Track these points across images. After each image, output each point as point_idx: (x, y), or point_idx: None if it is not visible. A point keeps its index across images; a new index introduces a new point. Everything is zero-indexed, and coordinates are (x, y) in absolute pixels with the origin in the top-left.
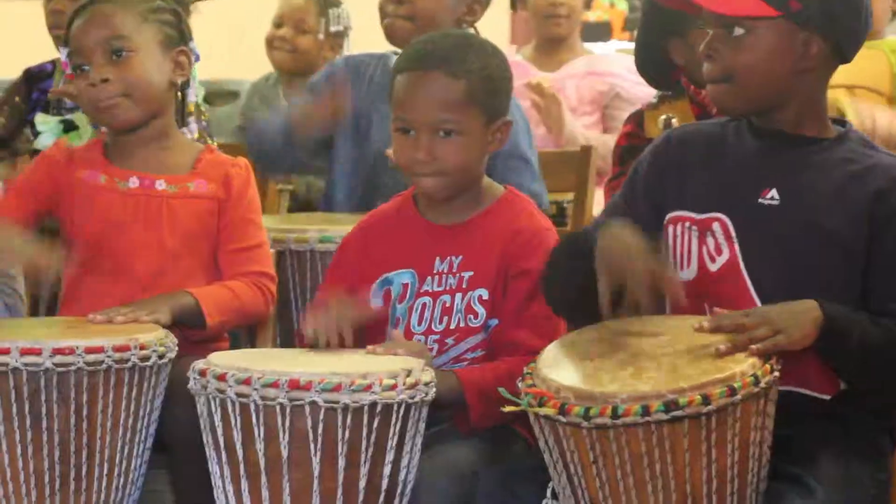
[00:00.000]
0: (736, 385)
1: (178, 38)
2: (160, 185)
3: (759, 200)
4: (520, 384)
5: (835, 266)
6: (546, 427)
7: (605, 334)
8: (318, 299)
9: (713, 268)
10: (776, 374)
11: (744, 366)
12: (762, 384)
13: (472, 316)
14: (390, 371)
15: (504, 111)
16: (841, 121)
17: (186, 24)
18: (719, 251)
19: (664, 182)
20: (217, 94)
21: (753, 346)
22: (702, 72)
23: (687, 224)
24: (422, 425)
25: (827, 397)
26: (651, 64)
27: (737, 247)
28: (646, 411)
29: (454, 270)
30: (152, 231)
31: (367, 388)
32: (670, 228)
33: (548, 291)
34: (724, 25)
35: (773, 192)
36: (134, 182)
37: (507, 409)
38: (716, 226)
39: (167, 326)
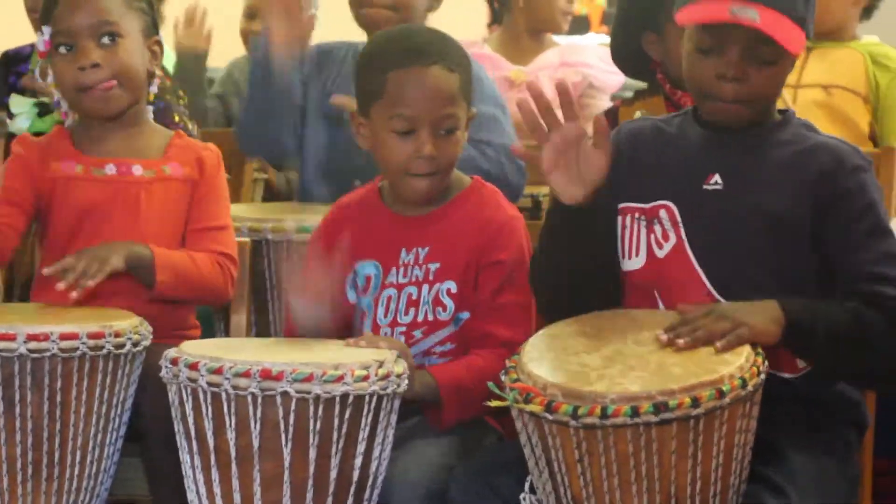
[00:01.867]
0: (724, 388)
1: (153, 28)
2: (137, 170)
3: (704, 186)
4: (503, 378)
5: (781, 248)
6: (530, 423)
7: (588, 328)
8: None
9: (661, 254)
10: (762, 376)
11: (731, 368)
12: (749, 387)
13: (440, 308)
14: (362, 362)
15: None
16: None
17: (158, 14)
18: (666, 237)
19: (615, 174)
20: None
21: (719, 343)
22: (677, 68)
23: (636, 214)
24: (394, 417)
25: (790, 377)
26: (627, 57)
27: (682, 232)
28: (635, 412)
29: (420, 262)
30: (130, 216)
31: (339, 378)
32: (619, 219)
33: (535, 275)
34: (759, 53)
35: (717, 178)
36: (111, 169)
37: (494, 404)
38: (662, 213)
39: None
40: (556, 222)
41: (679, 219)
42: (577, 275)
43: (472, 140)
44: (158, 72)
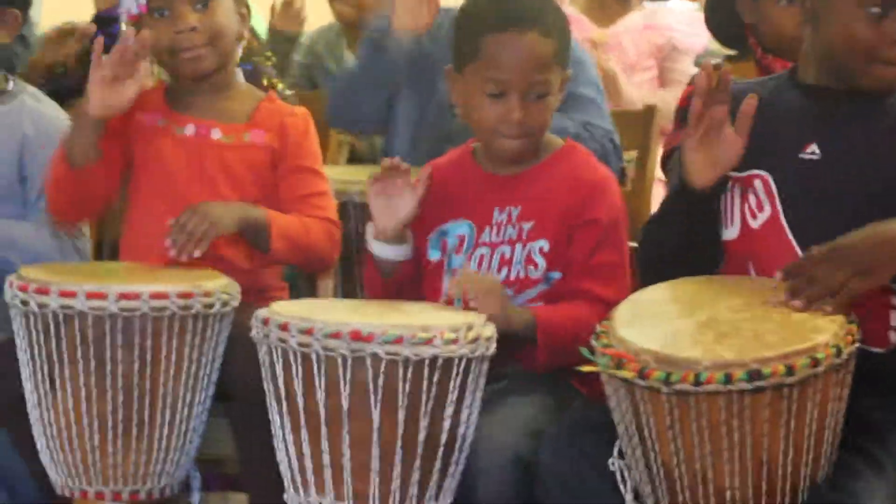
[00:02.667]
0: (819, 356)
1: None
2: (216, 133)
3: (800, 156)
4: (595, 343)
5: (881, 217)
6: (622, 389)
7: (680, 294)
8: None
9: (755, 225)
10: (857, 344)
11: (827, 336)
12: (844, 355)
13: (531, 267)
14: (452, 325)
15: (568, 66)
16: None
17: None
18: (760, 208)
19: None
20: (278, 41)
21: (829, 307)
22: (769, 32)
23: (731, 183)
24: (482, 380)
25: (880, 350)
26: (721, 21)
27: (778, 203)
28: (728, 379)
29: (513, 221)
30: (206, 181)
31: (429, 341)
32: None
33: (645, 249)
34: None
35: (814, 147)
36: (190, 129)
37: (586, 369)
38: (757, 182)
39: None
40: (680, 206)
41: (774, 189)
42: (689, 250)
43: (579, 121)
44: (246, 33)
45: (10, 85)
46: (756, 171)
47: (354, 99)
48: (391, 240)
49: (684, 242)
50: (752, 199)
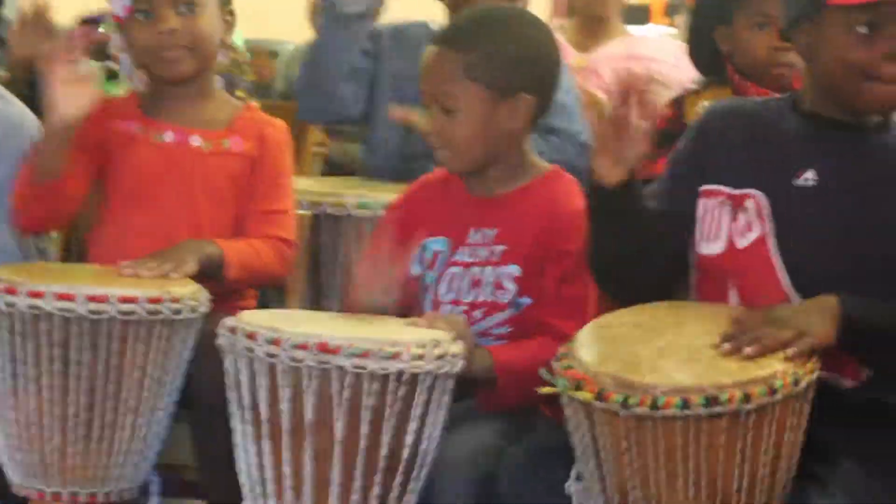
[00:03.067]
0: (777, 384)
1: None
2: (195, 140)
3: (794, 181)
4: (555, 364)
5: (872, 253)
6: (580, 411)
7: (644, 319)
8: (365, 259)
9: (741, 244)
10: (816, 374)
11: (785, 365)
12: (802, 384)
13: (501, 291)
14: (419, 340)
15: (521, 87)
16: None
17: None
18: (749, 228)
19: (704, 154)
20: (256, 54)
21: (788, 352)
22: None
23: (720, 199)
24: (447, 398)
25: (851, 384)
26: (701, 50)
27: (768, 226)
28: (686, 405)
29: (487, 243)
30: (184, 187)
31: (396, 356)
32: (702, 201)
33: (588, 260)
34: None
35: (811, 174)
36: (169, 136)
37: (545, 390)
38: (749, 203)
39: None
40: (596, 204)
41: (766, 212)
42: (627, 257)
43: (540, 127)
44: (228, 41)
45: None
46: (749, 191)
47: (313, 80)
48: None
49: (621, 250)
50: (741, 218)
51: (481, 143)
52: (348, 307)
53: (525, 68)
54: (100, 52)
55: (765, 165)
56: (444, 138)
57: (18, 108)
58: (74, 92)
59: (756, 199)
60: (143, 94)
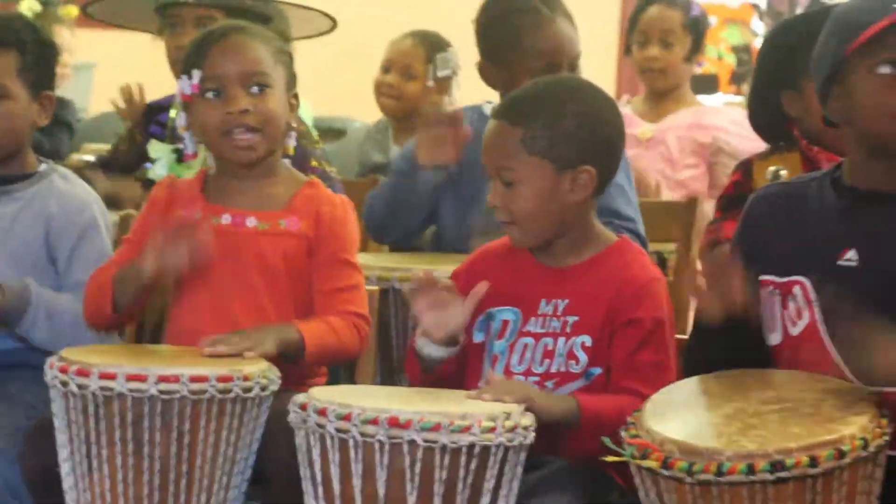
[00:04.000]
0: (845, 448)
1: (293, 82)
2: (251, 221)
3: (838, 262)
4: (623, 433)
5: None
6: (647, 479)
7: (712, 386)
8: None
9: (794, 332)
10: (886, 437)
11: (853, 428)
12: (871, 448)
13: (573, 361)
14: (490, 413)
15: (583, 159)
16: None
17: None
18: (800, 315)
19: (753, 245)
20: (324, 132)
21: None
22: (814, 124)
23: (770, 288)
24: (519, 469)
25: None
26: (764, 116)
27: (816, 311)
28: (751, 470)
29: (559, 314)
30: (240, 267)
31: (466, 429)
32: (761, 292)
33: (689, 364)
34: None
35: (852, 253)
36: (226, 219)
37: (611, 459)
38: (797, 289)
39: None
40: (706, 334)
41: (812, 297)
42: (731, 361)
43: (600, 207)
44: (294, 123)
45: (42, 167)
46: (795, 278)
47: (390, 221)
48: (440, 343)
49: (728, 355)
50: (791, 305)
51: (545, 216)
52: (409, 370)
53: (585, 140)
54: (171, 135)
55: (808, 248)
56: (508, 212)
57: (81, 187)
58: (174, 252)
59: (802, 286)
60: (208, 176)
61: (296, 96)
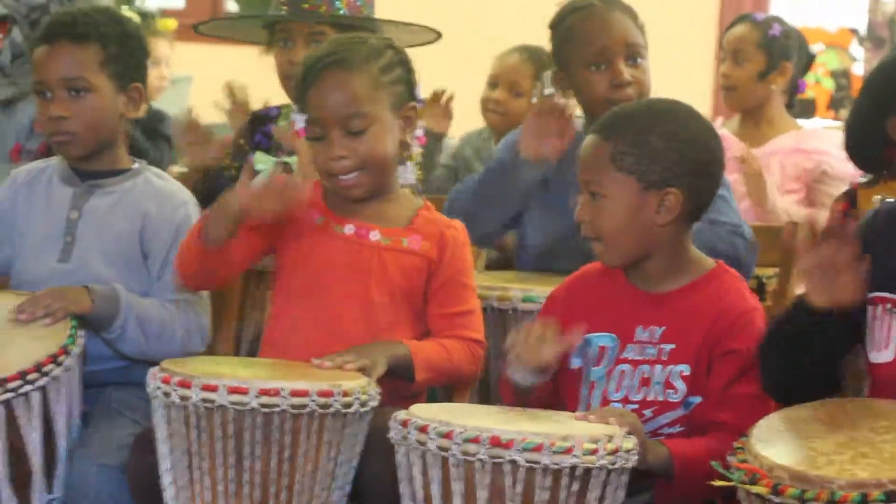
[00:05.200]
0: None
1: (408, 95)
2: (374, 235)
3: None
4: (731, 458)
5: None
6: None
7: (822, 414)
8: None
9: None
10: None
11: None
12: None
13: (671, 391)
14: (592, 435)
15: (669, 181)
16: None
17: (413, 72)
18: None
19: (869, 260)
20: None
21: None
22: None
23: (888, 305)
24: (621, 493)
25: None
26: (864, 141)
27: None
28: (864, 499)
29: (655, 341)
30: (360, 281)
31: (569, 450)
32: (870, 308)
33: (765, 372)
34: None
35: None
36: (349, 229)
37: (719, 483)
38: None
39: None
40: (799, 321)
41: None
42: (807, 371)
43: (705, 219)
44: (414, 146)
45: (135, 165)
46: None
47: (474, 217)
48: (531, 372)
49: (804, 364)
50: None
51: (630, 234)
52: (504, 395)
53: (673, 161)
54: (275, 147)
55: None
56: (594, 227)
57: (176, 185)
58: (270, 197)
59: None
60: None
61: (414, 108)
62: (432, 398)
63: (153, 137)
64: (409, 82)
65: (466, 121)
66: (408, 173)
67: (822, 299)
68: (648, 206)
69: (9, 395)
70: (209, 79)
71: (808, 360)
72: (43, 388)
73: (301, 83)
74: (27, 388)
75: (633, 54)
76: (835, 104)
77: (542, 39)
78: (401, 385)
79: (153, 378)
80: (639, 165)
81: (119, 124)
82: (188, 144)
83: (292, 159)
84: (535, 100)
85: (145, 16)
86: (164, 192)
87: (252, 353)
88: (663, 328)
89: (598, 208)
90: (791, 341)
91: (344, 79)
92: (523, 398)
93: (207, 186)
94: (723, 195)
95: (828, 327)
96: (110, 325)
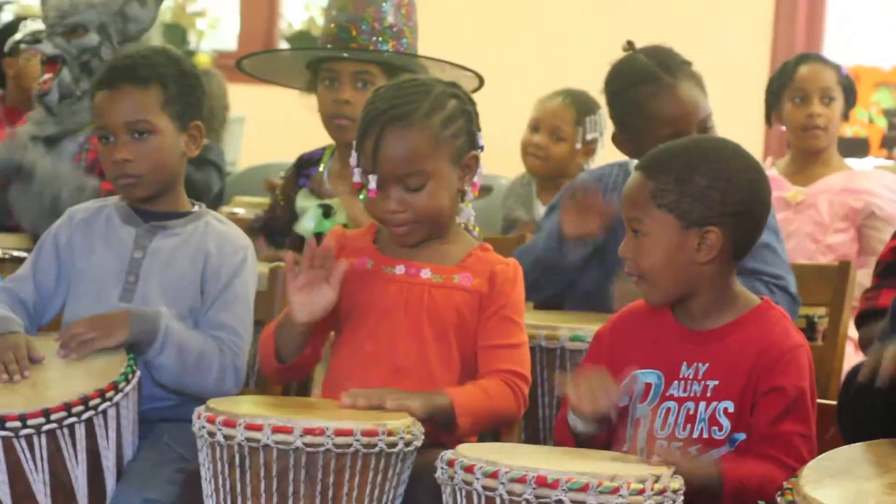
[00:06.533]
0: None
1: (469, 144)
2: (425, 273)
3: None
4: (779, 499)
5: None
6: None
7: (874, 454)
8: (577, 372)
9: None
10: None
11: None
12: None
13: (716, 427)
14: (639, 476)
15: (709, 220)
16: None
17: (475, 120)
18: None
19: None
20: None
21: None
22: None
23: None
24: None
25: None
26: None
27: None
28: None
29: (700, 377)
30: (413, 317)
31: (615, 490)
32: None
33: (844, 426)
34: None
35: None
36: (400, 269)
37: None
38: None
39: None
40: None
41: None
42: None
43: (746, 268)
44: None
45: (196, 207)
46: None
47: (533, 284)
48: (590, 420)
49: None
50: None
51: (670, 272)
52: (558, 435)
53: (714, 201)
54: (318, 189)
55: None
56: (636, 265)
57: (235, 229)
58: (312, 298)
59: None
60: (381, 228)
61: (474, 157)
62: (480, 437)
63: (201, 164)
64: (470, 133)
65: (507, 165)
66: (466, 213)
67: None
68: (689, 244)
69: (52, 425)
70: (262, 119)
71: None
72: (90, 422)
73: (360, 134)
74: (71, 420)
75: (704, 128)
76: (888, 143)
77: (584, 83)
78: (444, 434)
79: (198, 417)
80: (679, 204)
81: (181, 163)
82: None
83: (334, 201)
84: (578, 145)
85: (191, 55)
86: (225, 235)
87: (301, 393)
88: (707, 365)
89: (639, 246)
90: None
91: (405, 136)
92: (584, 444)
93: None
94: (770, 244)
95: None
96: (149, 347)
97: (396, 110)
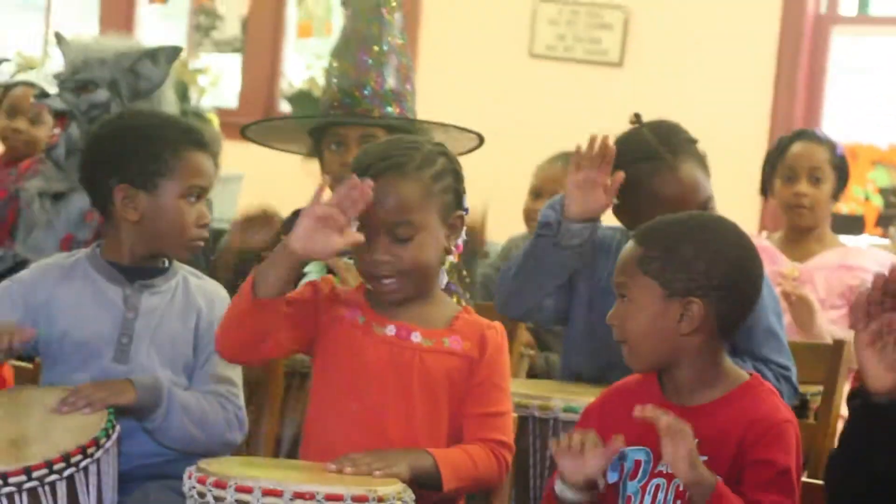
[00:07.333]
0: None
1: (456, 203)
2: (416, 336)
3: None
4: None
5: None
6: None
7: None
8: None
9: None
10: None
11: None
12: None
13: None
14: None
15: (692, 292)
16: None
17: (463, 181)
18: None
19: None
20: (468, 252)
21: None
22: None
23: None
24: None
25: None
26: None
27: None
28: None
29: None
30: (402, 381)
31: None
32: None
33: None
34: None
35: None
36: (391, 329)
37: None
38: None
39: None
40: (859, 417)
41: None
42: (880, 478)
43: (755, 354)
44: (455, 249)
45: (166, 262)
46: None
47: (517, 292)
48: (580, 489)
49: (872, 472)
50: None
51: (652, 340)
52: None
53: (699, 273)
54: None
55: None
56: (621, 330)
57: (213, 283)
58: (316, 235)
59: None
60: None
61: (460, 217)
62: (468, 501)
63: None
64: (457, 192)
65: (508, 227)
66: (442, 277)
67: (881, 377)
68: (671, 314)
69: (33, 483)
70: (259, 177)
71: (880, 467)
72: (70, 479)
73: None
74: (53, 477)
75: (704, 210)
76: (883, 221)
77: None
78: (426, 494)
79: (189, 477)
80: (664, 272)
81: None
82: (246, 223)
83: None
84: None
85: (200, 115)
86: (208, 290)
87: (292, 453)
88: (696, 441)
89: (625, 312)
90: (859, 444)
91: (397, 185)
92: None
93: (242, 269)
94: (775, 332)
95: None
96: (152, 413)
97: (390, 160)
